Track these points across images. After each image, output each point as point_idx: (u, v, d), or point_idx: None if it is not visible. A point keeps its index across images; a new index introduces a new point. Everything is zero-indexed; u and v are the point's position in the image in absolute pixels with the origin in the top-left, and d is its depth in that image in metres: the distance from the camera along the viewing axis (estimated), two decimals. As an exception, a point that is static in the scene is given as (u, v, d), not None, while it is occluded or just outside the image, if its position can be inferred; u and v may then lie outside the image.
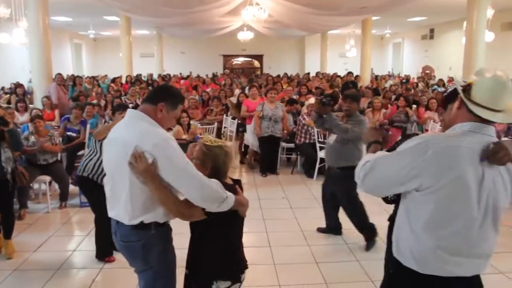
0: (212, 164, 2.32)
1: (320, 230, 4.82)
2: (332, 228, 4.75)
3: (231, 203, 2.21)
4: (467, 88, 1.79)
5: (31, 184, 5.69)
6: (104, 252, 4.10)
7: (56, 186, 6.00)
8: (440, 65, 18.94)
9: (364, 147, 3.38)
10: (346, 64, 22.69)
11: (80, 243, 4.58)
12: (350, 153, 4.35)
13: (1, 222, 4.28)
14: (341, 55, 23.15)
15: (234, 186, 2.34)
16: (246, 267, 2.42)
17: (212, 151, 2.32)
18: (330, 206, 4.73)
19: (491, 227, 1.79)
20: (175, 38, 22.35)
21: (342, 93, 9.39)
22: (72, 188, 5.92)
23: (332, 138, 4.56)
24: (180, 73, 20.26)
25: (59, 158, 5.97)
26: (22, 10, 10.33)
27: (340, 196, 4.50)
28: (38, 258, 4.22)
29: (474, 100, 1.75)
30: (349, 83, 11.54)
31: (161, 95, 2.31)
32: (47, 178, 5.57)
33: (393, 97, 10.22)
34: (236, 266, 2.36)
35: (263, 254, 4.30)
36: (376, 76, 18.22)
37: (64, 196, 5.71)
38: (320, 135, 6.89)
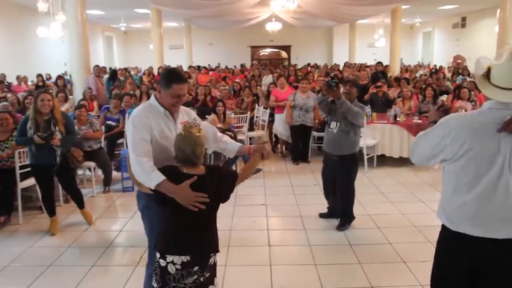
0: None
1: (321, 215, 4.95)
2: (334, 212, 4.89)
3: (152, 186, 2.37)
4: (487, 72, 2.03)
5: (77, 170, 6.03)
6: None
7: (99, 172, 6.34)
8: (472, 55, 18.54)
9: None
10: (375, 54, 22.49)
11: (126, 224, 4.89)
12: (352, 142, 4.58)
13: (72, 199, 4.99)
14: (370, 45, 22.92)
15: (184, 177, 2.36)
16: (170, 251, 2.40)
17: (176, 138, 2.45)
18: (331, 192, 4.86)
19: (509, 192, 1.95)
20: (203, 30, 22.61)
21: (372, 83, 9.46)
22: (115, 174, 6.25)
23: (334, 126, 4.57)
24: (209, 65, 20.53)
25: (102, 145, 6.29)
26: (59, 4, 10.77)
27: (340, 179, 4.64)
28: (89, 237, 4.56)
29: (493, 83, 1.98)
30: (379, 73, 11.52)
31: (159, 79, 2.73)
32: (92, 164, 5.90)
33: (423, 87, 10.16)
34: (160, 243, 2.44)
35: (299, 237, 4.51)
36: (407, 67, 18.02)
37: (107, 181, 6.05)
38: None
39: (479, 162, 1.97)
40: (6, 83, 11.19)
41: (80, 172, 6.27)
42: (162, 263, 2.37)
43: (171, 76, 2.60)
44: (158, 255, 2.40)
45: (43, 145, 4.33)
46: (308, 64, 16.62)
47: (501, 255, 2.00)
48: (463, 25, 20.37)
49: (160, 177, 2.35)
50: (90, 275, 3.71)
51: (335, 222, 4.77)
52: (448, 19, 21.30)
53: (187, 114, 2.83)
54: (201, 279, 2.44)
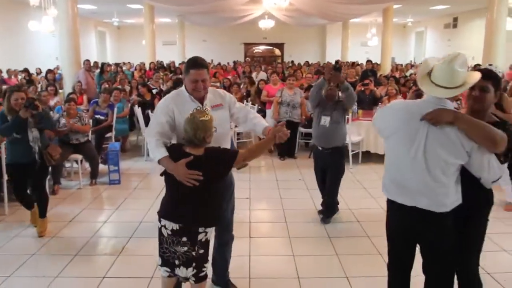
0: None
1: (320, 212, 4.97)
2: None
3: (156, 160, 2.68)
4: (430, 71, 2.36)
5: (63, 163, 6.08)
6: None
7: (86, 165, 6.41)
8: (463, 55, 18.71)
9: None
10: (367, 53, 22.64)
11: (111, 216, 4.96)
12: (343, 134, 4.81)
13: (36, 201, 4.52)
14: (363, 43, 23.08)
15: (184, 155, 2.59)
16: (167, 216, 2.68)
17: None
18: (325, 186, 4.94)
19: (422, 170, 2.32)
20: (197, 26, 22.64)
21: (361, 81, 9.57)
22: (102, 167, 6.32)
23: (326, 120, 4.67)
24: (202, 61, 20.53)
25: (89, 139, 6.34)
26: (51, -2, 10.80)
27: (333, 171, 4.75)
28: (73, 228, 4.62)
29: (432, 80, 2.32)
30: (368, 72, 11.64)
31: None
32: (79, 157, 5.97)
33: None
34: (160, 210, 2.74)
35: (280, 228, 4.61)
36: (397, 65, 18.17)
37: (94, 174, 6.11)
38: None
39: (402, 143, 2.39)
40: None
41: (67, 164, 6.34)
42: (159, 225, 2.70)
43: (189, 63, 2.86)
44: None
45: (19, 141, 4.24)
46: (292, 62, 16.63)
47: (423, 222, 2.39)
48: (455, 26, 20.56)
49: (163, 154, 2.64)
50: (72, 263, 3.78)
51: (316, 216, 4.88)
52: (440, 19, 21.48)
53: (220, 97, 3.03)
54: (193, 253, 2.64)
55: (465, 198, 2.38)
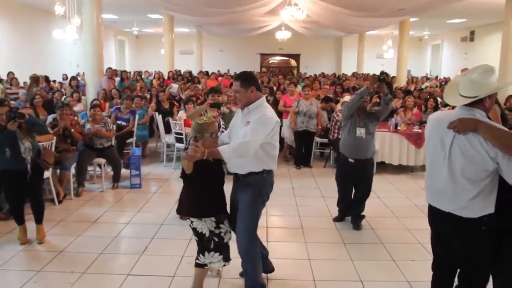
0: None
1: (335, 219, 5.12)
2: (346, 212, 5.09)
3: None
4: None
5: (87, 166, 6.31)
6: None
7: (108, 169, 6.63)
8: (480, 68, 18.67)
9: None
10: (383, 66, 22.67)
11: (133, 218, 5.15)
12: (374, 144, 4.90)
13: (32, 209, 4.43)
14: (379, 56, 23.15)
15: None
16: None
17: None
18: (350, 197, 5.04)
19: (447, 176, 2.49)
20: (214, 36, 22.98)
21: (377, 93, 9.67)
22: (124, 171, 6.54)
23: (362, 131, 4.72)
24: (218, 71, 20.85)
25: (113, 144, 6.57)
26: (75, 8, 11.16)
27: (367, 180, 4.87)
28: (97, 228, 4.81)
29: (459, 92, 2.50)
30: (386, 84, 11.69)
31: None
32: (102, 161, 6.19)
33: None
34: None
35: (296, 233, 4.75)
36: (412, 78, 18.22)
37: (116, 177, 6.33)
38: (333, 129, 7.20)
39: (433, 149, 2.59)
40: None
41: (90, 168, 6.56)
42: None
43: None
44: None
45: (11, 153, 4.14)
46: (315, 75, 16.73)
47: (449, 224, 2.54)
48: (472, 39, 20.52)
49: None
50: (98, 262, 3.96)
51: (331, 223, 5.02)
52: (456, 32, 21.48)
53: (252, 117, 3.16)
54: (196, 237, 3.25)
55: (505, 205, 2.43)
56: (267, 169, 3.24)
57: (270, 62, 28.28)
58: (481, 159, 2.35)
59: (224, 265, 3.34)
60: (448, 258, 2.73)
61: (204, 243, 3.21)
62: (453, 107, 2.78)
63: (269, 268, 3.69)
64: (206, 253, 3.22)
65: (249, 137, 3.00)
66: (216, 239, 3.22)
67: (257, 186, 3.23)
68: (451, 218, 2.50)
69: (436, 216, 2.64)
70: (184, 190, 3.43)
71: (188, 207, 3.31)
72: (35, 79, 10.71)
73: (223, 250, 3.27)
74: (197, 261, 3.27)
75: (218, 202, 3.26)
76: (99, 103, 7.28)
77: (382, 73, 4.64)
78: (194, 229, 3.22)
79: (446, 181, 2.49)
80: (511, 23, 9.74)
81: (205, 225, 3.19)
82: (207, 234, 3.20)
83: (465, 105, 2.46)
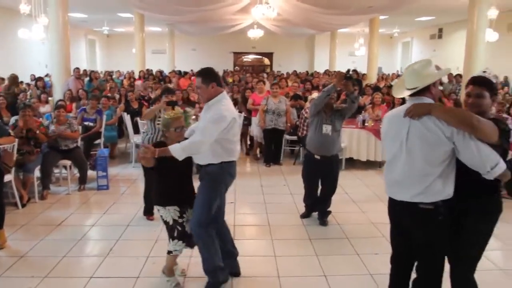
0: None
1: (303, 215, 5.18)
2: (313, 208, 5.16)
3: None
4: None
5: (52, 169, 6.19)
6: (149, 210, 4.96)
7: (75, 171, 6.52)
8: (448, 65, 18.89)
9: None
10: (355, 63, 23.01)
11: (98, 219, 5.08)
12: (340, 141, 4.95)
13: None
14: (351, 53, 23.41)
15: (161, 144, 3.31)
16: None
17: None
18: (316, 193, 5.11)
19: (406, 163, 2.56)
20: (186, 35, 22.82)
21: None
22: (90, 172, 6.44)
23: (328, 128, 4.78)
24: (191, 70, 20.73)
25: (78, 145, 6.46)
26: (42, 7, 10.90)
27: (332, 176, 4.94)
28: (62, 231, 4.72)
29: (405, 86, 2.66)
30: (354, 81, 11.85)
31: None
32: (68, 163, 6.08)
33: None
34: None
35: (263, 231, 4.78)
36: (383, 75, 18.51)
37: (83, 179, 6.23)
38: (302, 127, 7.16)
39: (391, 143, 2.68)
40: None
41: (56, 170, 6.44)
42: None
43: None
44: None
45: None
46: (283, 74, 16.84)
47: (406, 215, 2.63)
48: (440, 36, 20.99)
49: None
50: (60, 265, 3.89)
51: (299, 220, 5.07)
52: (425, 30, 21.93)
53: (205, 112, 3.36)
54: (164, 225, 3.45)
55: (463, 187, 2.50)
56: (225, 161, 3.30)
57: (243, 61, 28.26)
58: (437, 139, 2.43)
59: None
60: (406, 250, 2.79)
61: (169, 231, 3.40)
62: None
63: (237, 271, 3.69)
64: (171, 240, 3.38)
65: (199, 137, 3.15)
66: (179, 228, 3.36)
67: (215, 175, 3.31)
68: (409, 207, 2.56)
69: (394, 207, 2.72)
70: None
71: (154, 195, 3.53)
72: (14, 79, 10.41)
73: (186, 238, 3.39)
74: (168, 247, 3.43)
75: (179, 192, 3.36)
76: (64, 104, 7.15)
77: (349, 71, 4.75)
78: (161, 217, 3.41)
79: (404, 169, 2.56)
80: (475, 21, 9.97)
81: (169, 214, 3.35)
82: (170, 223, 3.36)
83: (414, 95, 2.58)
